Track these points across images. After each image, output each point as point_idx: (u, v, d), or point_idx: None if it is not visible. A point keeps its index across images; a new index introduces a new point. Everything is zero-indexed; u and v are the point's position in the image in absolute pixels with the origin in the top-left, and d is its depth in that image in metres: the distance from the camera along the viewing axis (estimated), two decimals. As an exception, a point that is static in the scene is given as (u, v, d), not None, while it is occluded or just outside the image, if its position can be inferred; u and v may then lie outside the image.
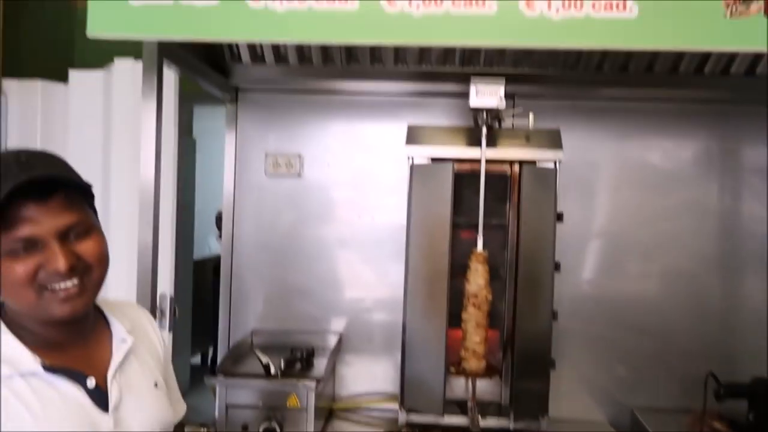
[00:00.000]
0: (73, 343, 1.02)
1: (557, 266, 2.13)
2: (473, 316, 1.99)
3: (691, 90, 2.37)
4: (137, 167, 1.87)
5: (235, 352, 2.31)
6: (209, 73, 2.34)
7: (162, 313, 2.01)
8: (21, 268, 0.93)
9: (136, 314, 1.20)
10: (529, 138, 2.15)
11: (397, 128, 2.31)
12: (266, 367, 2.08)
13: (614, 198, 2.52)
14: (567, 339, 2.38)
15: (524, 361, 2.11)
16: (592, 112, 2.49)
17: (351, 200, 2.59)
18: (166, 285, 2.06)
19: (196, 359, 5.27)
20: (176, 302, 2.10)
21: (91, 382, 0.99)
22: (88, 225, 1.00)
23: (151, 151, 1.88)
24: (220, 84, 2.47)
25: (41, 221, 0.93)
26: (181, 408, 1.27)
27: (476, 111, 2.10)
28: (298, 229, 2.60)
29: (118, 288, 2.33)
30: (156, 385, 1.12)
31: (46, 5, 3.05)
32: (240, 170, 2.62)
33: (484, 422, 2.09)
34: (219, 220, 5.70)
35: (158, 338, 1.21)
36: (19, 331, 0.98)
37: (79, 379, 0.99)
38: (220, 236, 5.72)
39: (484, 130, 2.07)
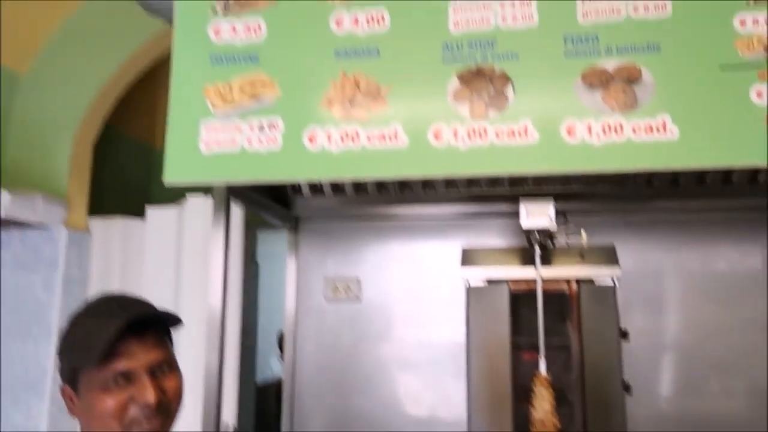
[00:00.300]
0: None
1: (627, 387, 2.03)
2: (541, 445, 1.89)
3: (747, 198, 2.34)
4: (205, 294, 1.97)
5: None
6: (272, 206, 2.50)
7: (225, 444, 2.02)
8: (112, 401, 0.97)
9: None
10: (583, 256, 2.14)
11: (452, 248, 2.37)
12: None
13: (682, 311, 2.43)
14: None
15: (601, 495, 1.96)
16: (646, 225, 2.48)
17: (409, 321, 2.61)
18: (229, 413, 2.08)
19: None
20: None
21: None
22: (172, 361, 1.07)
23: (219, 280, 2.00)
24: (282, 215, 2.64)
25: (137, 356, 1.00)
26: None
27: (528, 231, 2.13)
28: (358, 352, 2.61)
29: (185, 415, 2.37)
30: None
31: (126, 146, 3.40)
32: (300, 295, 2.71)
33: None
34: (281, 340, 5.72)
35: None
36: None
37: None
38: (282, 357, 5.72)
39: (538, 250, 2.08)
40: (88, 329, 1.00)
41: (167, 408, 1.03)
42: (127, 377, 0.99)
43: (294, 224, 2.75)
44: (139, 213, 2.89)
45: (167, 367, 1.05)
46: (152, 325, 1.04)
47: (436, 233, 2.63)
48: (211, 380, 1.93)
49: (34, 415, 2.50)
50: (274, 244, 4.58)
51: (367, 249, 2.69)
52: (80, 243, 2.74)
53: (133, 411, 0.99)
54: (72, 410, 1.01)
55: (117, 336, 0.97)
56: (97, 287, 2.74)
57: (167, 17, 1.97)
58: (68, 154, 2.66)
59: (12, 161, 2.63)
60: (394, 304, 2.64)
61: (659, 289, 2.45)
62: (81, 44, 2.65)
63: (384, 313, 2.64)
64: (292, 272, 2.74)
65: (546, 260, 2.12)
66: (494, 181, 2.45)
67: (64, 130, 2.66)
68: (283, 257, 2.78)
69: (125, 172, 3.40)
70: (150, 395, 0.99)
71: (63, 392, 1.01)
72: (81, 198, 2.78)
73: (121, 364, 0.98)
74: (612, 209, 2.46)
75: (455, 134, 1.67)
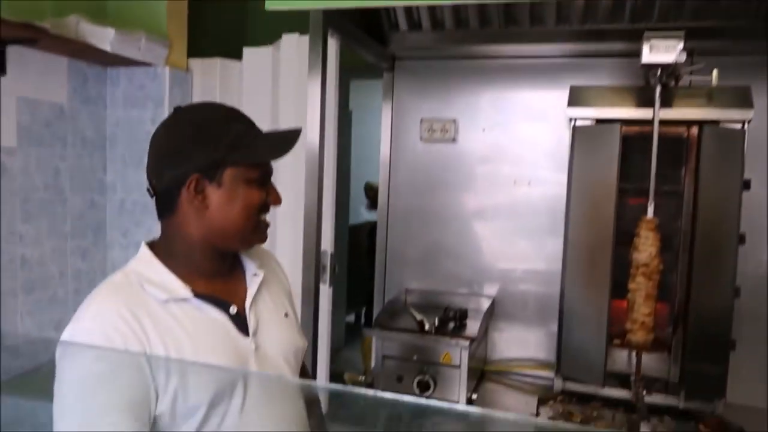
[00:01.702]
0: (218, 276, 1.14)
1: (742, 238, 1.93)
2: (643, 287, 1.86)
3: None
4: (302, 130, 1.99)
5: (390, 309, 2.40)
6: (368, 42, 2.41)
7: (324, 268, 2.13)
8: (258, 196, 1.09)
9: (265, 254, 1.31)
10: (712, 96, 1.94)
11: (557, 92, 2.22)
12: (420, 324, 2.13)
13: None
14: (748, 320, 2.15)
15: (699, 339, 1.94)
16: (791, 69, 2.18)
17: (506, 167, 2.54)
18: (327, 243, 2.18)
19: (350, 318, 5.59)
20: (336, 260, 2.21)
21: (233, 309, 1.10)
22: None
23: (317, 118, 2.01)
24: (378, 53, 2.54)
25: (270, 164, 1.14)
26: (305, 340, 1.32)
27: (648, 69, 1.93)
28: (452, 195, 2.61)
29: (285, 245, 2.52)
30: (286, 315, 1.23)
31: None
32: (396, 137, 2.69)
33: (649, 398, 1.97)
34: (368, 190, 5.90)
35: (284, 276, 1.33)
36: (170, 263, 1.10)
37: (223, 306, 1.10)
38: (369, 206, 5.94)
39: (659, 88, 1.90)
40: (243, 130, 1.08)
41: None
42: (266, 177, 1.12)
43: (390, 64, 2.66)
44: (238, 55, 2.89)
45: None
46: None
47: (543, 74, 2.45)
48: (311, 215, 2.02)
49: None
50: (366, 94, 4.54)
51: (466, 90, 2.56)
52: (182, 82, 2.80)
53: (264, 209, 1.12)
54: (192, 200, 1.06)
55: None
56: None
57: None
58: (165, -3, 2.65)
59: (113, 4, 2.67)
60: (491, 147, 2.55)
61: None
62: None
63: (480, 156, 2.57)
64: (388, 113, 2.70)
65: (666, 101, 1.94)
66: (612, 16, 2.20)
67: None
68: (375, 108, 2.73)
69: (222, 13, 3.38)
70: (279, 197, 1.13)
71: (190, 183, 1.05)
72: (180, 39, 2.81)
73: (269, 167, 1.12)
74: (751, 49, 2.14)
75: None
